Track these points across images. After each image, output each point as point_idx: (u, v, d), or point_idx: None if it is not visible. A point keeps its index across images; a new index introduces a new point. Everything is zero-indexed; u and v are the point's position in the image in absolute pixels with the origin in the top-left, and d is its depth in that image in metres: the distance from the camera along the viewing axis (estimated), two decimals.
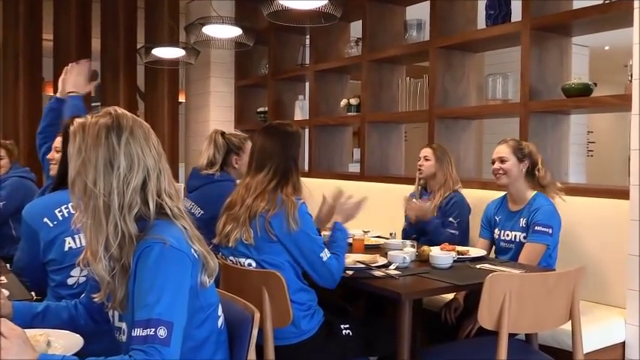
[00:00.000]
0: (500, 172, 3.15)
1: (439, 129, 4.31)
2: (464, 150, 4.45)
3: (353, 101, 5.09)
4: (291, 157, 2.50)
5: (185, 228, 1.55)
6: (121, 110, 1.54)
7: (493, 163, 3.20)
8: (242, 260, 2.49)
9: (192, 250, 1.53)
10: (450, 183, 3.63)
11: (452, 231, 3.54)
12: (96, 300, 1.59)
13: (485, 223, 3.35)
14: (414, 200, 3.59)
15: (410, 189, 3.84)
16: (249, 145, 3.34)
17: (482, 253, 3.08)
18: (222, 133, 3.34)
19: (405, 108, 4.72)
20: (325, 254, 2.45)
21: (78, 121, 1.52)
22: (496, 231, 3.26)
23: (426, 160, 3.69)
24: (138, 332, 1.36)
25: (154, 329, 1.35)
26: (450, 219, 3.55)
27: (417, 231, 3.61)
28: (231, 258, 2.52)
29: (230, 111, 6.49)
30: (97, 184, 1.46)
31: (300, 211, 2.42)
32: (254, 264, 2.47)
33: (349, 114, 5.14)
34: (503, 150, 3.16)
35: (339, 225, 2.65)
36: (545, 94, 3.76)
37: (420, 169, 3.70)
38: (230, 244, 2.47)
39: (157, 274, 1.41)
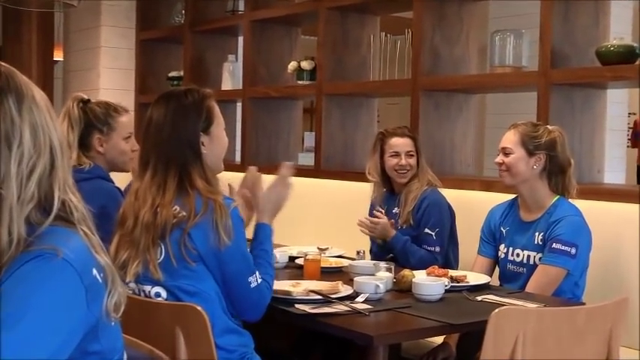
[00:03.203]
0: (503, 167, 3.21)
1: (426, 107, 4.35)
2: (460, 136, 4.50)
3: (305, 65, 5.10)
4: (185, 140, 2.49)
5: (87, 235, 1.52)
6: (6, 66, 1.50)
7: (499, 153, 3.27)
8: (147, 289, 2.48)
9: (95, 269, 1.50)
10: (424, 178, 3.70)
11: (429, 248, 3.59)
12: None
13: (488, 235, 3.41)
14: (364, 219, 3.64)
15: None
16: (125, 119, 3.23)
17: (485, 279, 3.13)
18: (83, 101, 3.23)
19: (378, 76, 4.74)
20: (256, 278, 2.48)
21: None
22: (502, 248, 3.32)
23: (409, 155, 3.71)
24: None
25: None
26: (426, 230, 3.61)
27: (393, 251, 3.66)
28: (132, 285, 2.50)
29: (129, 76, 6.45)
30: None
31: (233, 218, 2.43)
32: (164, 294, 2.45)
33: (300, 83, 5.15)
34: (508, 138, 3.22)
35: (264, 228, 2.66)
36: (573, 60, 3.84)
37: (401, 171, 3.71)
38: (127, 279, 2.46)
39: (23, 299, 1.38)
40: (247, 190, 2.81)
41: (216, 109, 2.58)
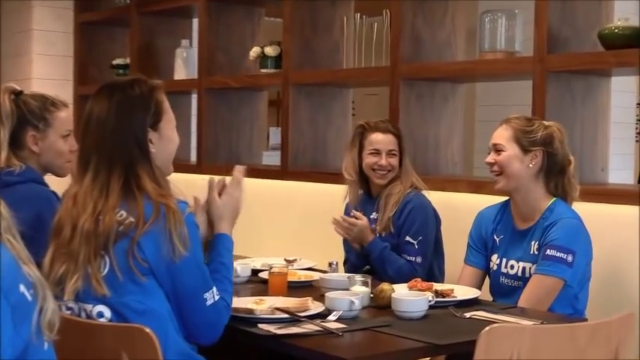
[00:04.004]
0: (495, 168, 3.23)
1: (407, 98, 4.37)
2: (446, 131, 4.53)
3: (270, 51, 5.10)
4: (131, 136, 2.49)
5: (13, 246, 1.51)
6: None
7: (490, 152, 3.29)
8: (88, 308, 2.45)
9: (22, 286, 1.49)
10: (407, 180, 3.72)
11: (409, 258, 3.61)
12: None
13: (477, 242, 3.43)
14: (339, 218, 3.66)
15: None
16: (64, 115, 3.19)
17: (474, 293, 3.14)
18: (16, 93, 3.19)
19: (353, 63, 4.75)
20: (212, 295, 2.49)
21: None
22: (494, 258, 3.35)
23: (391, 155, 3.73)
24: None
25: None
26: (407, 238, 3.63)
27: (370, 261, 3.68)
28: (71, 305, 2.49)
29: (66, 64, 6.43)
30: None
31: (188, 224, 2.43)
32: (108, 313, 2.44)
33: (263, 71, 5.15)
34: (499, 134, 3.24)
35: (224, 238, 2.67)
36: (572, 44, 3.87)
37: (379, 171, 3.73)
38: (66, 297, 2.44)
39: None
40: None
41: (167, 103, 2.58)
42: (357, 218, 3.63)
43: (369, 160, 3.71)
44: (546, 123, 3.27)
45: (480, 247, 3.41)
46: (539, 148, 3.19)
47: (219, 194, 2.77)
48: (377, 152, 3.70)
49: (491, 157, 3.24)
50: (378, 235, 3.68)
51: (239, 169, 2.82)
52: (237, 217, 2.77)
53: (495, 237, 3.36)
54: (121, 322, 2.42)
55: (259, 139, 5.76)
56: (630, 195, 3.53)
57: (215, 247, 2.67)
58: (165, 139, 2.56)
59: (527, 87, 3.85)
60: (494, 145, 3.23)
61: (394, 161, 3.71)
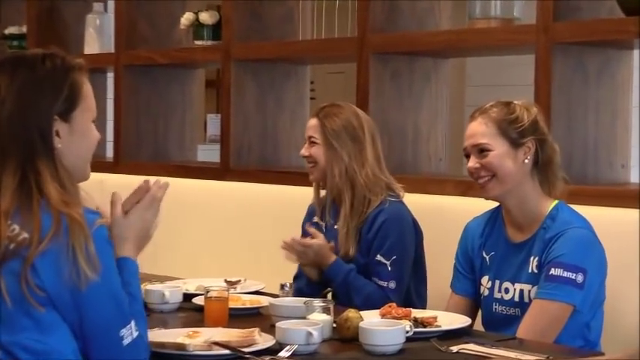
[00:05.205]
0: (482, 174, 3.22)
1: (379, 76, 4.38)
2: (427, 118, 4.54)
3: (206, 18, 5.09)
4: (34, 124, 2.47)
5: None
6: None
7: (467, 157, 3.27)
8: None
9: None
10: (374, 186, 3.72)
11: (380, 282, 3.62)
12: None
13: (464, 264, 3.45)
14: (290, 240, 3.66)
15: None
16: None
17: (463, 322, 3.14)
18: None
19: (311, 34, 4.78)
20: (131, 332, 2.46)
21: None
22: (484, 281, 3.36)
23: (312, 142, 3.77)
24: None
25: None
26: (378, 257, 3.64)
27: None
28: None
29: None
30: None
31: (98, 241, 2.40)
32: None
33: (198, 44, 5.16)
34: (478, 131, 3.23)
35: (128, 264, 2.61)
36: (584, 10, 3.89)
37: (308, 163, 3.80)
38: None
39: None
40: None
41: (87, 88, 2.55)
42: (312, 236, 3.64)
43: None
44: (522, 103, 3.28)
45: (467, 270, 3.42)
46: (530, 138, 3.21)
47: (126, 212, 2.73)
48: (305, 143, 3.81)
49: (474, 162, 3.22)
50: (339, 252, 3.68)
51: (159, 185, 2.76)
52: (146, 242, 2.71)
53: (484, 254, 3.36)
54: None
55: (193, 130, 5.76)
56: None
57: (120, 275, 2.59)
58: (78, 134, 2.53)
59: (528, 63, 3.88)
60: (476, 145, 3.22)
61: (315, 151, 3.74)
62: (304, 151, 3.78)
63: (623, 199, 3.56)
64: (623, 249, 3.31)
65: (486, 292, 3.33)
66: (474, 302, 3.41)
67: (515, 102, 3.28)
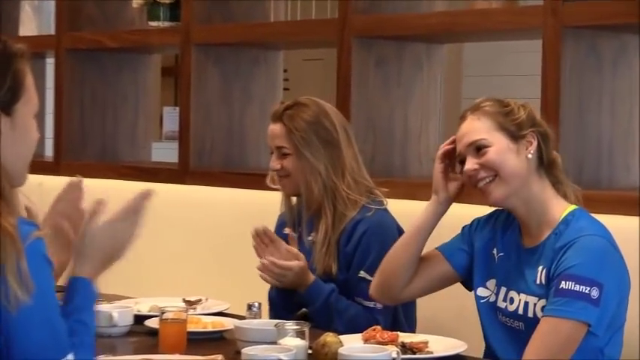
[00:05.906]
0: (482, 174, 3.21)
1: (362, 64, 4.39)
2: (418, 112, 4.56)
3: None
4: None
5: None
6: None
7: (461, 162, 3.27)
8: None
9: None
10: (355, 193, 3.72)
11: (366, 303, 3.63)
12: None
13: (467, 242, 3.45)
14: (267, 262, 3.65)
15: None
16: None
17: (459, 347, 3.17)
18: None
19: (285, 15, 4.80)
20: None
21: None
22: (490, 284, 3.36)
23: (282, 155, 3.76)
24: None
25: None
26: (361, 273, 3.65)
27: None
28: None
29: None
30: None
31: (32, 257, 2.37)
32: None
33: (154, 25, 5.16)
34: (474, 128, 3.24)
35: (84, 284, 2.60)
36: None
37: (279, 175, 3.80)
38: None
39: None
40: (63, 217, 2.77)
41: (30, 79, 2.53)
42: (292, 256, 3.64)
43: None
44: (514, 100, 3.31)
45: (467, 247, 3.41)
46: (530, 130, 3.22)
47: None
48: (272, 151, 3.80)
49: (472, 163, 3.21)
50: (314, 268, 3.69)
51: (145, 193, 2.77)
52: (114, 261, 2.71)
53: (494, 252, 3.35)
54: None
55: (147, 125, 5.77)
56: None
57: (71, 298, 2.59)
58: (21, 130, 2.51)
59: (534, 49, 3.89)
60: (472, 143, 3.22)
61: (288, 163, 3.75)
62: (275, 164, 3.77)
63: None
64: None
65: (492, 298, 3.32)
66: (453, 277, 3.42)
67: (507, 100, 3.31)
